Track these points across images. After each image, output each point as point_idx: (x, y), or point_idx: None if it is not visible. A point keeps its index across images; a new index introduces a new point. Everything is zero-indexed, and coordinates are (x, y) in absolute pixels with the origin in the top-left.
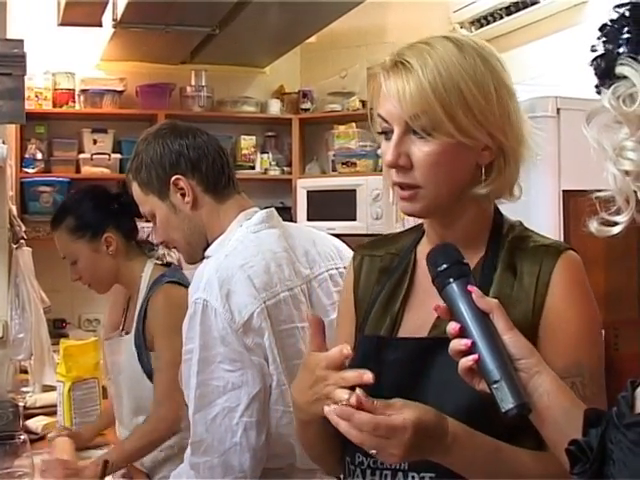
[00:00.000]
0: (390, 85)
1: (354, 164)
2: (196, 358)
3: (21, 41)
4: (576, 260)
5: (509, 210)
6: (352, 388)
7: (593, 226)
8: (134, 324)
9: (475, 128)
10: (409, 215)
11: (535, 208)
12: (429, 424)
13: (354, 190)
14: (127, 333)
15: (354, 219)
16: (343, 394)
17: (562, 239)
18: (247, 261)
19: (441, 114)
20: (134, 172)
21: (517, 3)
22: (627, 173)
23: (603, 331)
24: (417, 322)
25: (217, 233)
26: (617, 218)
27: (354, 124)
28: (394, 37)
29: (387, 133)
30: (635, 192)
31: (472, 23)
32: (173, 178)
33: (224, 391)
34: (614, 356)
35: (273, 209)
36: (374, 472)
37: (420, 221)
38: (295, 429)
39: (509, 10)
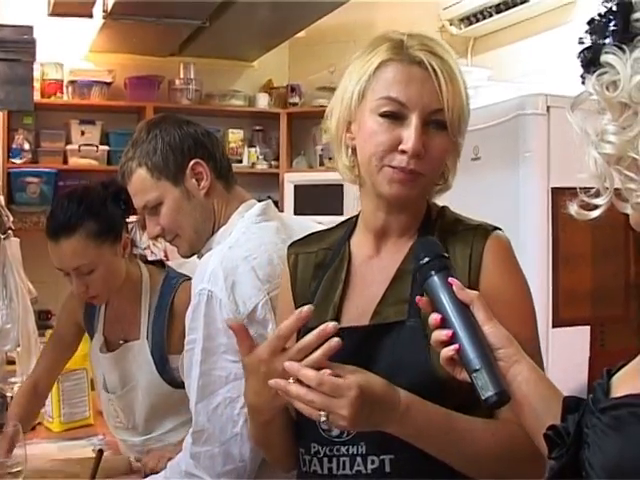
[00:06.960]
0: (432, 73)
1: None
2: (199, 348)
3: (30, 27)
4: (503, 239)
5: (498, 206)
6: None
7: (573, 209)
8: (147, 330)
9: (462, 135)
10: (399, 199)
11: (524, 205)
12: (377, 388)
13: (341, 185)
14: (126, 341)
15: (341, 214)
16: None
17: (551, 236)
18: (250, 253)
19: (461, 114)
20: (143, 157)
21: (507, 1)
22: (608, 156)
23: (589, 327)
24: (357, 311)
25: (222, 222)
26: (596, 201)
27: None
28: None
29: (393, 116)
30: (613, 176)
31: (461, 20)
32: (192, 162)
33: (226, 381)
34: (600, 352)
35: (270, 201)
36: (331, 460)
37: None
38: (253, 435)
39: (499, 8)
